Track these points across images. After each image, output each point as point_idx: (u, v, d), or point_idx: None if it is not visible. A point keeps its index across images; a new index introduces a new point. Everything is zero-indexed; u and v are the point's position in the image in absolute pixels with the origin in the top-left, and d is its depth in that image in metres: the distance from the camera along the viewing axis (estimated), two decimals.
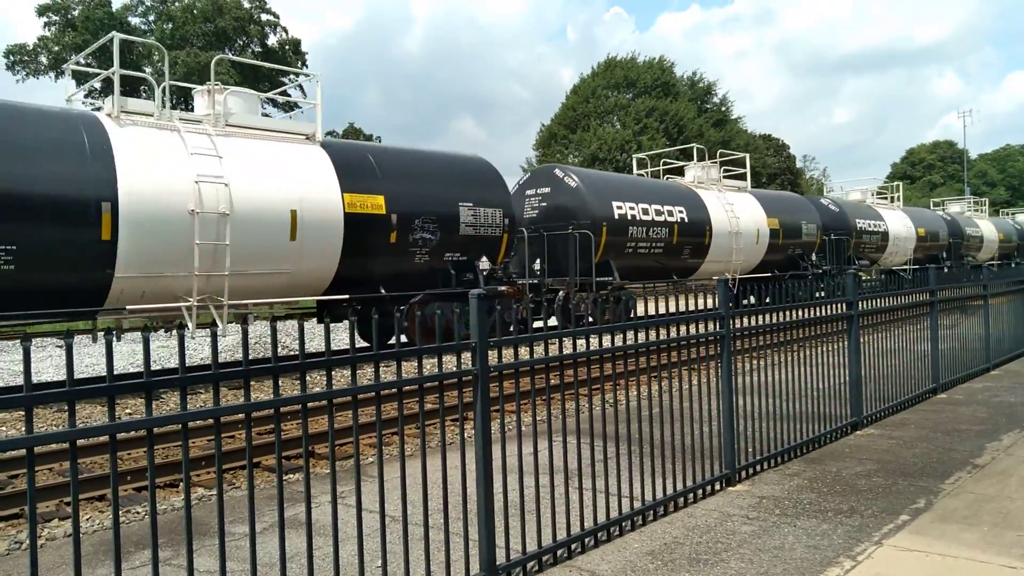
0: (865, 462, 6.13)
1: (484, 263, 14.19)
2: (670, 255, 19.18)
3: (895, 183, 34.22)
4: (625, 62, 52.38)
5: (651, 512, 4.84)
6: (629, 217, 17.77)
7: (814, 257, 23.70)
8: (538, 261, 17.26)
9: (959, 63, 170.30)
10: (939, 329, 9.08)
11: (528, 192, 18.57)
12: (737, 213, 21.03)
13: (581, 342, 7.71)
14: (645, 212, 18.35)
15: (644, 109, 47.77)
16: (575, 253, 16.63)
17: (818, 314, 6.91)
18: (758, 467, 5.89)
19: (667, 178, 22.17)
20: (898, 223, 28.88)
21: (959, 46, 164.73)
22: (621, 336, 4.81)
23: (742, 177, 23.47)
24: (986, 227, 36.77)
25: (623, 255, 17.71)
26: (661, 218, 18.71)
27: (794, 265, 23.06)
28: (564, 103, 52.19)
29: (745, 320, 5.92)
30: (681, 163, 23.46)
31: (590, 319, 15.20)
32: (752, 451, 5.87)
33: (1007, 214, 45.93)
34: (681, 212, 19.31)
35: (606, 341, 4.72)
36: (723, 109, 55.65)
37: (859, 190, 31.31)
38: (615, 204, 17.59)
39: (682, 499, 5.11)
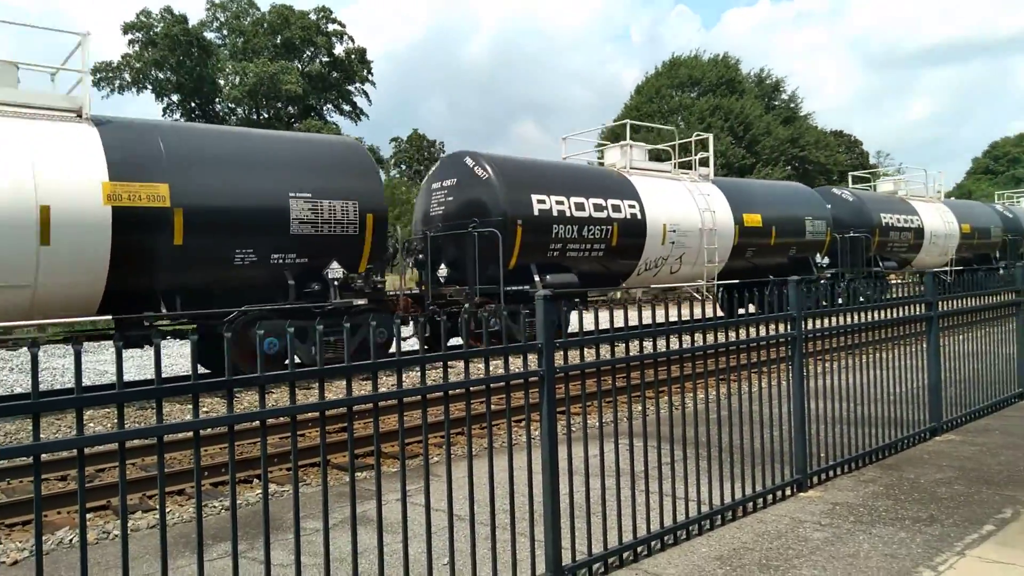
0: (945, 469, 5.89)
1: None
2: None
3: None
4: (689, 60, 51.70)
5: (719, 516, 4.76)
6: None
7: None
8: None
9: None
10: None
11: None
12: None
13: (648, 343, 7.64)
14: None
15: (708, 107, 46.99)
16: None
17: (896, 315, 6.67)
18: (831, 472, 5.72)
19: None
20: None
21: None
22: (690, 337, 4.75)
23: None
24: None
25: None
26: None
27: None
28: (627, 103, 51.87)
29: (819, 321, 5.77)
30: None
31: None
32: (825, 456, 5.71)
33: None
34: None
35: (674, 343, 4.67)
36: (792, 106, 54.27)
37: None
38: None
39: (751, 504, 5.01)
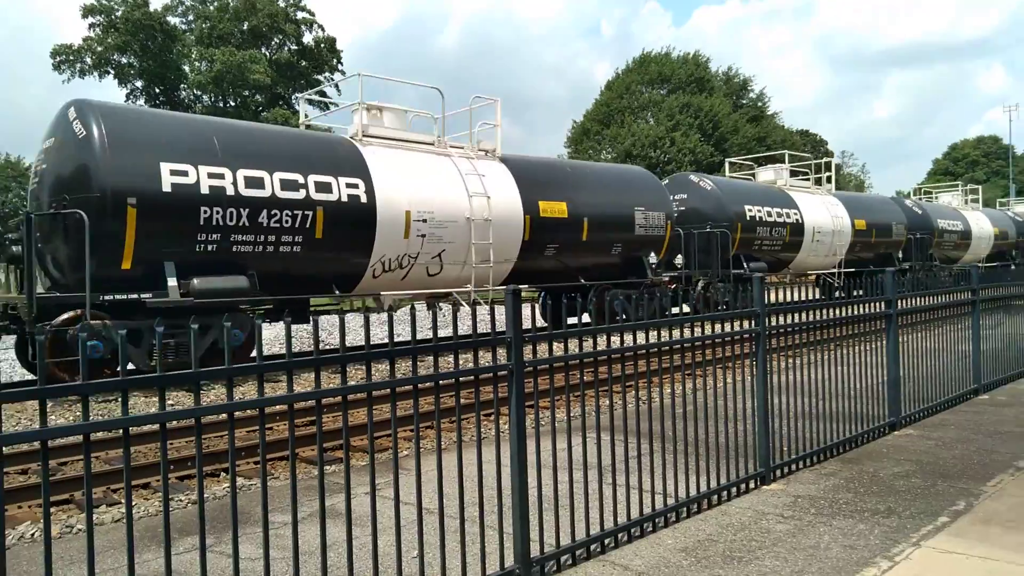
0: (903, 463, 6.05)
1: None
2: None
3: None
4: (659, 57, 52.03)
5: (685, 509, 4.84)
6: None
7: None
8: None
9: (1006, 56, 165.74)
10: (981, 329, 8.90)
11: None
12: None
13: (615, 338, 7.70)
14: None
15: (678, 105, 47.39)
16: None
17: (856, 312, 6.83)
18: (793, 466, 5.85)
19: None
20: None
21: (1007, 38, 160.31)
22: (655, 333, 4.82)
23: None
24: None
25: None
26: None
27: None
28: (598, 99, 52.06)
29: (781, 318, 5.88)
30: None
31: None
32: (787, 450, 5.83)
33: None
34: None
35: (640, 338, 4.73)
36: (759, 104, 54.98)
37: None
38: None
39: (716, 497, 5.10)
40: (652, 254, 17.41)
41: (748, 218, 19.84)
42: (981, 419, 7.59)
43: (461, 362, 3.84)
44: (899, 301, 7.35)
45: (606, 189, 16.97)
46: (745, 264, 19.55)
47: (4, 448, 2.42)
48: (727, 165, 24.95)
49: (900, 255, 25.57)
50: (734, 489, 5.26)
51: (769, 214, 20.53)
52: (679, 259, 18.79)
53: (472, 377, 3.76)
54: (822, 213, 22.48)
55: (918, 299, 7.83)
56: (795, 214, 21.43)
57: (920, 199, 31.87)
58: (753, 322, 5.58)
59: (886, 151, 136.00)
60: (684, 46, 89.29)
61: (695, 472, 4.96)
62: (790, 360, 5.97)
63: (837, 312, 6.61)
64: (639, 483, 4.66)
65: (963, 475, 5.66)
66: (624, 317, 4.73)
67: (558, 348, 4.33)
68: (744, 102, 54.52)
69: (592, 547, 4.23)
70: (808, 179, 24.82)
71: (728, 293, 17.86)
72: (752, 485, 5.43)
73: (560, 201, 15.64)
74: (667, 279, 17.94)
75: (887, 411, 7.08)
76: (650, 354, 4.80)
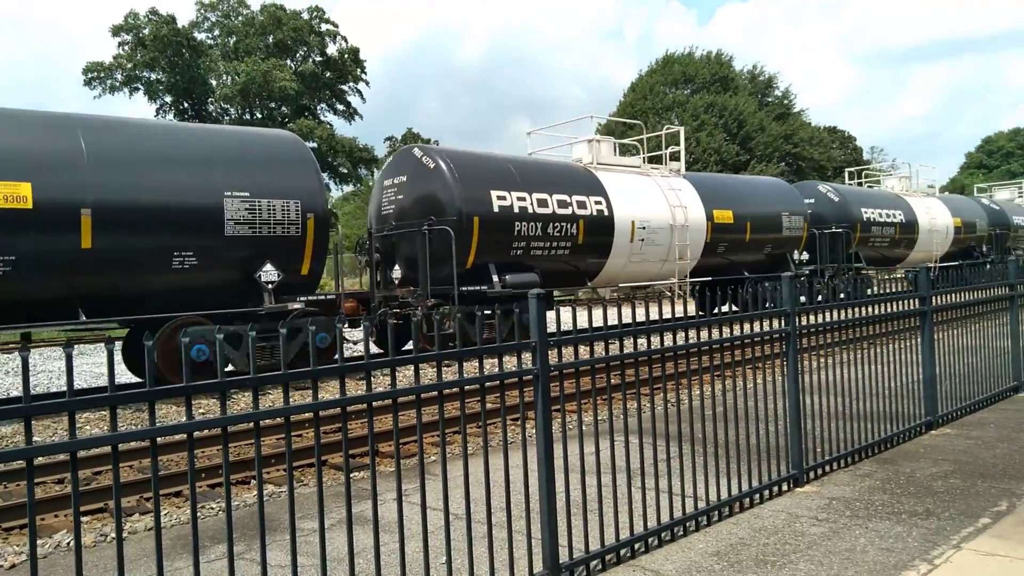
0: (941, 463, 5.91)
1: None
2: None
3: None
4: (683, 58, 51.68)
5: (716, 512, 4.76)
6: (516, 210, 14.48)
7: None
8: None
9: None
10: (1020, 324, 8.67)
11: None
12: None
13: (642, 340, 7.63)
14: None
15: (702, 105, 47.03)
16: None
17: (889, 310, 6.69)
18: (827, 468, 5.73)
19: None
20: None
21: None
22: (683, 334, 4.76)
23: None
24: None
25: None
26: (567, 211, 15.31)
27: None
28: (621, 101, 51.81)
29: (812, 317, 5.78)
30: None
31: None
32: (821, 451, 5.72)
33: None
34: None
35: (668, 340, 4.68)
36: (785, 102, 54.34)
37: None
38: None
39: (748, 500, 5.02)
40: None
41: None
42: (1022, 417, 7.38)
43: (490, 367, 3.82)
44: (934, 298, 7.18)
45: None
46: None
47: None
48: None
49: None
50: (766, 492, 5.17)
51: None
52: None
53: (498, 382, 3.74)
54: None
55: (954, 295, 7.66)
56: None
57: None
58: (784, 321, 5.48)
59: (917, 146, 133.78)
60: (707, 46, 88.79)
61: (726, 475, 4.88)
62: (822, 359, 5.86)
63: (869, 310, 6.48)
64: (669, 487, 4.60)
65: (1004, 475, 5.51)
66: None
67: (585, 352, 4.29)
68: (769, 100, 53.93)
69: (622, 552, 4.18)
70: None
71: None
72: (785, 487, 5.33)
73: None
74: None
75: (923, 410, 6.92)
76: (678, 356, 4.74)
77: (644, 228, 16.86)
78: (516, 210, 14.48)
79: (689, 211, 17.85)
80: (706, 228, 18.29)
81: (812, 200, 22.46)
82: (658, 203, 17.38)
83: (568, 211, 15.39)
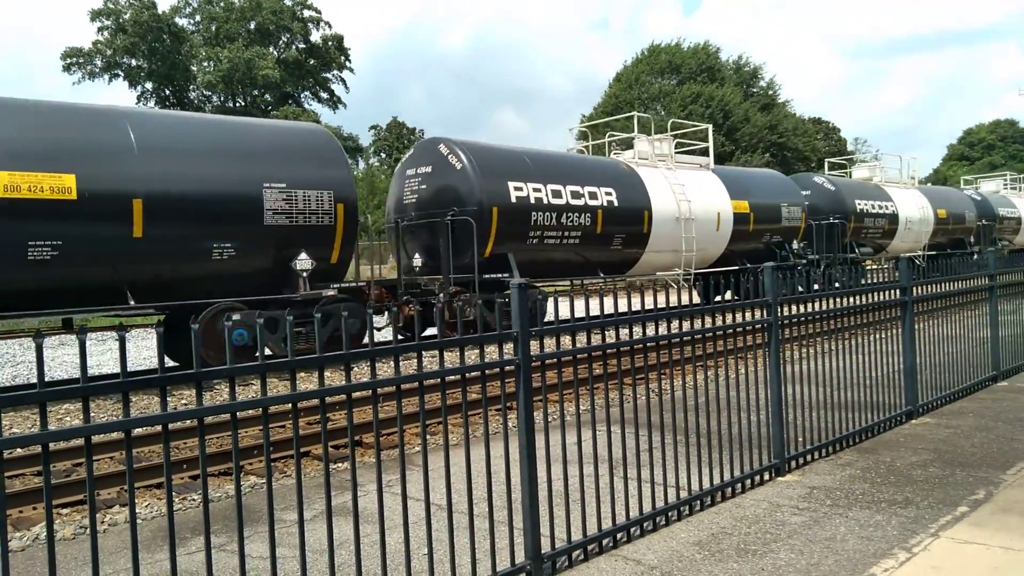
0: (921, 452, 5.96)
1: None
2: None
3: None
4: (669, 48, 51.66)
5: (698, 502, 4.78)
6: (532, 201, 14.92)
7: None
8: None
9: (1022, 39, 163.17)
10: (999, 315, 8.76)
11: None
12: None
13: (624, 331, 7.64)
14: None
15: (689, 95, 47.06)
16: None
17: (870, 300, 6.73)
18: (808, 457, 5.77)
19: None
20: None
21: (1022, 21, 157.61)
22: (665, 324, 4.75)
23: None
24: None
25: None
26: (580, 202, 15.71)
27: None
28: (607, 91, 51.76)
29: (794, 307, 5.80)
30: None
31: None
32: (802, 441, 5.76)
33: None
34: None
35: (650, 330, 4.67)
36: (770, 93, 54.49)
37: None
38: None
39: (730, 489, 5.04)
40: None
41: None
42: (1000, 406, 7.47)
43: (472, 358, 3.80)
44: (914, 288, 7.24)
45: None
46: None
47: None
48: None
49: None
50: (748, 481, 5.20)
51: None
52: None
53: (479, 373, 3.72)
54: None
55: (934, 286, 7.72)
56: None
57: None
58: (765, 312, 5.50)
59: (899, 137, 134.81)
60: (693, 36, 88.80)
61: (708, 464, 4.90)
62: (804, 349, 5.89)
63: (850, 300, 6.52)
64: (651, 476, 4.61)
65: (982, 463, 5.57)
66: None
67: (568, 342, 4.27)
68: (755, 91, 54.05)
69: (604, 542, 4.19)
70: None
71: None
72: (767, 477, 5.36)
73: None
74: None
75: (904, 399, 6.98)
76: (660, 346, 4.74)
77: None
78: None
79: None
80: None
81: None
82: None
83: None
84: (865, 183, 25.60)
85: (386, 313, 13.30)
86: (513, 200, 14.60)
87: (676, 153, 19.43)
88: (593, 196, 15.98)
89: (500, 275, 14.19)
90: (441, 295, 13.80)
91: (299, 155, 12.30)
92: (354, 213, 12.61)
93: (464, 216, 13.99)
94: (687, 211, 17.66)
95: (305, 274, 11.86)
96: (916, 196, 26.65)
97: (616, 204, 16.33)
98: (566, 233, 15.56)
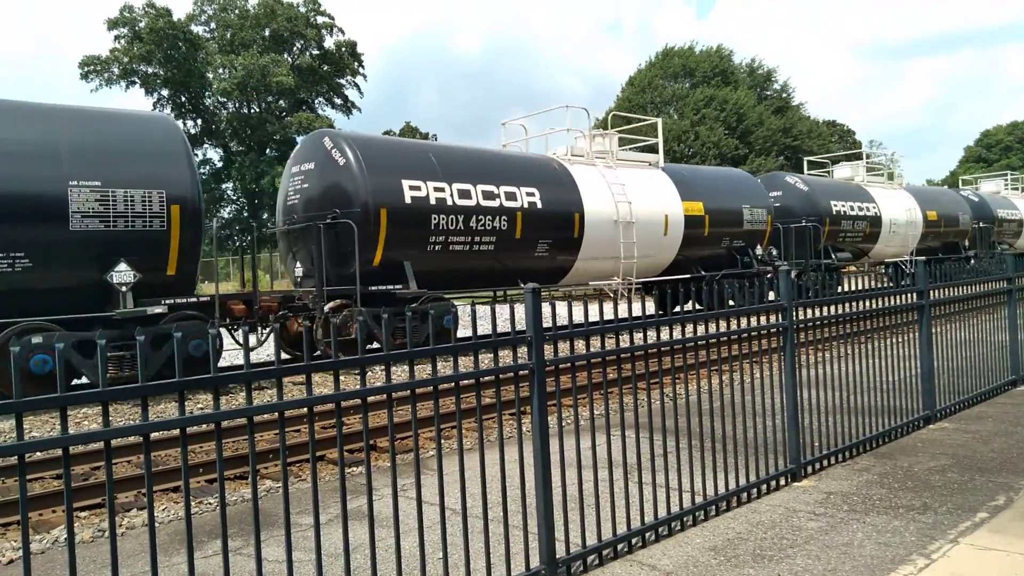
0: (939, 457, 5.90)
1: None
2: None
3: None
4: (683, 51, 51.57)
5: (713, 507, 4.76)
6: (433, 202, 13.11)
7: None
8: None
9: None
10: (1018, 318, 8.66)
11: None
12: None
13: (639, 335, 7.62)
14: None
15: (703, 99, 46.94)
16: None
17: (886, 304, 6.68)
18: (825, 462, 5.73)
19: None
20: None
21: None
22: (680, 329, 4.74)
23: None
24: None
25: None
26: (494, 203, 13.86)
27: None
28: (620, 94, 51.72)
29: (809, 311, 5.77)
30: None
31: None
32: (818, 446, 5.72)
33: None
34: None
35: (664, 334, 4.66)
36: (784, 95, 54.26)
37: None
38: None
39: (745, 494, 5.01)
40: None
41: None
42: (1020, 411, 7.38)
43: (486, 363, 3.80)
44: (931, 292, 7.17)
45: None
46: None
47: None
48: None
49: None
50: (764, 486, 5.16)
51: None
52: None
53: (493, 377, 3.72)
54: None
55: (951, 290, 7.64)
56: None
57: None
58: (780, 316, 5.47)
59: (915, 139, 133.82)
60: (707, 39, 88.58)
61: (723, 469, 4.87)
62: (820, 354, 5.85)
63: (867, 304, 6.47)
64: (666, 481, 4.59)
65: (1002, 469, 5.50)
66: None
67: (581, 347, 4.27)
68: (768, 93, 53.84)
69: (619, 546, 4.18)
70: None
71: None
72: (783, 482, 5.33)
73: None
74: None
75: (921, 404, 6.92)
76: (675, 350, 4.72)
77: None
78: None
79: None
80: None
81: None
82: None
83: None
84: (845, 183, 23.96)
85: (267, 330, 11.55)
86: (408, 201, 12.87)
87: (622, 149, 17.63)
88: (511, 197, 14.20)
89: (394, 287, 12.62)
90: (316, 311, 12.11)
91: (121, 149, 10.50)
92: (196, 216, 10.83)
93: (346, 219, 12.33)
94: (627, 213, 15.69)
95: (124, 288, 10.20)
96: (902, 196, 25.04)
97: (539, 206, 14.54)
98: (477, 239, 13.75)
